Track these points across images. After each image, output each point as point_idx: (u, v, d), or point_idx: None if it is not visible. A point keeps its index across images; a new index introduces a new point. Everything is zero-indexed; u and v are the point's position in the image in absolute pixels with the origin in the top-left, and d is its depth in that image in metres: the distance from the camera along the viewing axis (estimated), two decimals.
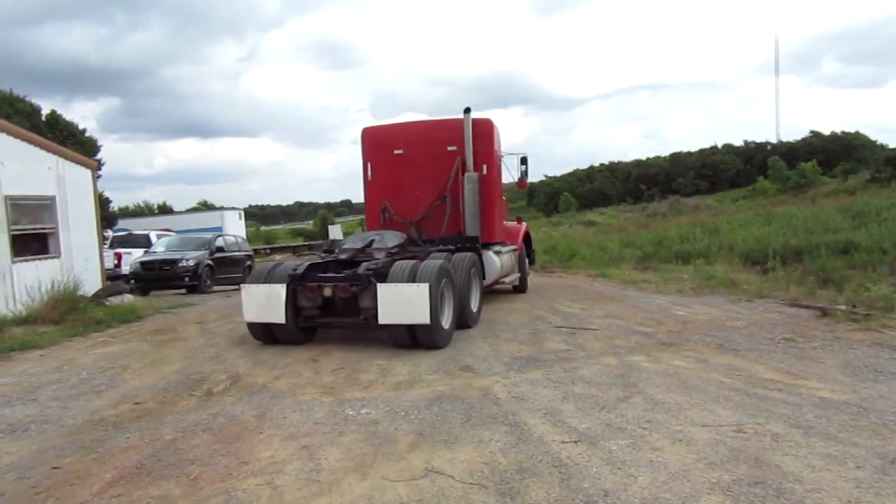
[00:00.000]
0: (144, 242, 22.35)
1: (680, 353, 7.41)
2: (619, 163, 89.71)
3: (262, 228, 79.85)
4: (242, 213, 42.65)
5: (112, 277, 17.80)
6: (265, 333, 8.50)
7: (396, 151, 11.42)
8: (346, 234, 15.36)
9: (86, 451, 4.89)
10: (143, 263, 18.78)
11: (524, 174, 13.06)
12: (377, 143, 11.71)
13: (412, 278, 7.70)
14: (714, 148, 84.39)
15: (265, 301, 8.13)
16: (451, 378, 6.70)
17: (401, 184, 11.36)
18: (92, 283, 14.26)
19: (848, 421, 4.92)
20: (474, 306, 9.58)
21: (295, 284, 8.19)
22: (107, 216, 30.90)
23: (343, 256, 9.31)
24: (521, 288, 13.46)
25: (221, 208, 44.16)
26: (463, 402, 5.76)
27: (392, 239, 9.92)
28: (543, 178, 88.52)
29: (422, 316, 7.50)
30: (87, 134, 35.58)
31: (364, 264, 8.28)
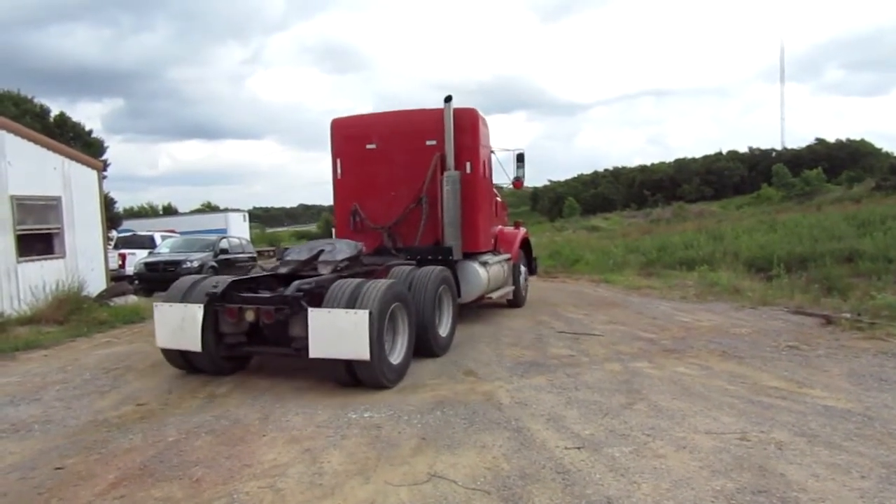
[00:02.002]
0: (149, 243, 22.40)
1: (683, 359, 7.40)
2: (624, 168, 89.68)
3: (267, 230, 79.97)
4: (247, 215, 42.75)
5: (116, 278, 17.83)
6: (182, 361, 7.17)
7: (369, 146, 10.08)
8: None
9: (89, 452, 4.90)
10: (147, 264, 18.82)
11: (521, 174, 11.73)
12: (347, 135, 10.35)
13: (352, 302, 6.27)
14: (718, 154, 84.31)
15: (179, 324, 6.74)
16: (455, 382, 6.70)
17: (373, 183, 10.08)
18: (96, 283, 14.29)
19: (853, 430, 4.90)
20: (443, 331, 8.16)
21: (216, 305, 6.80)
22: (111, 217, 30.98)
23: (283, 270, 7.96)
24: (515, 303, 11.91)
25: (226, 210, 44.22)
26: (466, 407, 5.76)
27: (343, 250, 8.30)
28: (547, 183, 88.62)
29: (360, 350, 6.04)
30: (93, 135, 35.72)
31: (295, 283, 6.83)
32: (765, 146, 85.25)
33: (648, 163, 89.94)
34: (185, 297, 6.99)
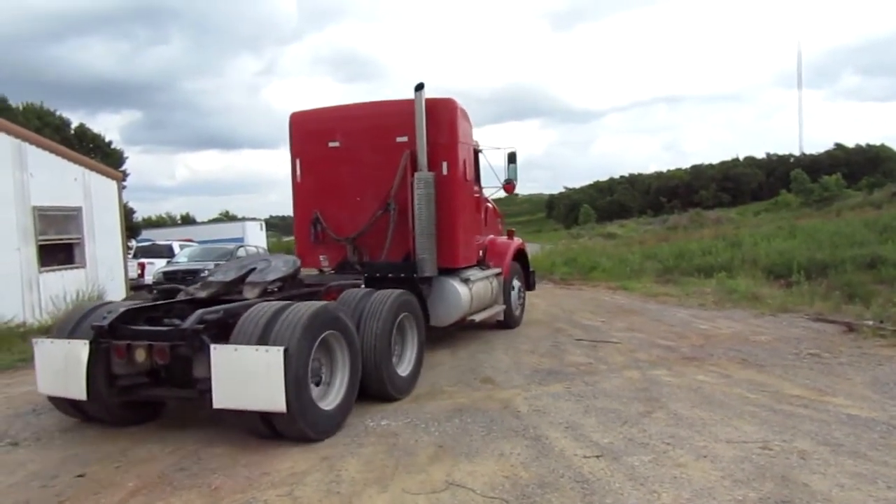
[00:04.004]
0: (167, 253, 22.63)
1: (703, 367, 7.32)
2: (640, 175, 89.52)
3: (284, 239, 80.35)
4: (263, 224, 42.97)
5: (136, 287, 18.03)
6: (74, 410, 5.81)
7: (332, 144, 8.77)
8: None
9: (109, 461, 4.94)
10: (165, 273, 18.98)
11: (513, 175, 10.27)
12: (308, 132, 9.02)
13: (265, 335, 5.02)
14: (736, 160, 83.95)
15: (62, 366, 5.43)
16: (472, 390, 6.68)
17: (337, 187, 8.76)
18: (116, 292, 14.44)
19: (877, 439, 4.82)
20: (404, 368, 6.80)
21: (102, 342, 5.42)
22: (131, 226, 31.35)
23: (202, 294, 6.53)
24: (506, 323, 10.37)
25: (243, 219, 44.63)
26: (483, 415, 5.74)
27: (278, 268, 6.90)
28: (563, 190, 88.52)
29: (273, 399, 4.79)
30: (112, 146, 36.22)
31: (198, 312, 5.38)
32: (782, 152, 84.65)
33: (664, 169, 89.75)
34: (73, 332, 5.68)
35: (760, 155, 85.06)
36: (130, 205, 35.63)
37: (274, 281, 6.66)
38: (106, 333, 5.43)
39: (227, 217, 63.90)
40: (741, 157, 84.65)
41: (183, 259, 20.61)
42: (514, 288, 10.55)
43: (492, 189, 10.32)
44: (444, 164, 8.41)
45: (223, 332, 5.27)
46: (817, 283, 13.71)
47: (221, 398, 4.92)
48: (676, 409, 5.73)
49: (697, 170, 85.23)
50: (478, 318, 9.09)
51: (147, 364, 5.34)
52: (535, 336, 9.70)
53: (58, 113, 33.79)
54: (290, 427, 5.07)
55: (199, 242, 27.09)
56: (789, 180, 64.09)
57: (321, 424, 5.26)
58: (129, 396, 5.64)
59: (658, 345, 8.69)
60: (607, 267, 20.44)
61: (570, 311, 12.27)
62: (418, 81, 8.12)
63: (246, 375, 4.87)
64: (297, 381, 4.92)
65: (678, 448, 4.75)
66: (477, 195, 9.59)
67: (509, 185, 10.35)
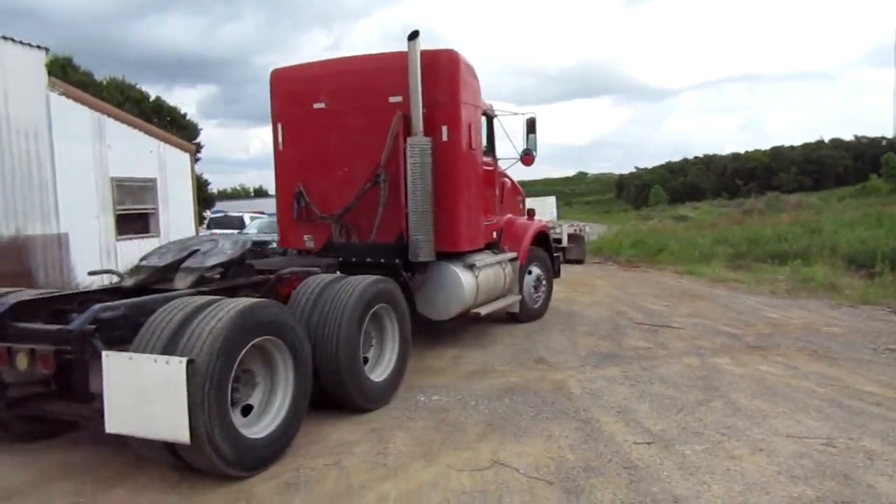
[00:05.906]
0: (238, 224, 23.35)
1: (768, 357, 7.03)
2: (715, 156, 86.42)
3: None
4: None
5: None
6: None
7: (317, 105, 7.61)
8: None
9: None
10: None
11: (532, 146, 9.00)
12: (290, 92, 7.86)
13: (173, 342, 3.92)
14: (820, 142, 79.95)
15: None
16: (525, 370, 6.64)
17: (323, 156, 7.63)
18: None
19: None
20: (381, 372, 5.73)
21: None
22: (206, 198, 32.52)
23: (130, 282, 5.55)
24: (522, 316, 8.95)
25: None
26: (535, 395, 5.70)
27: (223, 251, 5.71)
28: (634, 170, 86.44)
29: (173, 426, 3.69)
30: (187, 118, 37.49)
31: (94, 308, 4.29)
32: (873, 134, 79.87)
33: (741, 150, 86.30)
34: None
35: (848, 137, 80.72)
36: (205, 177, 36.94)
37: (214, 267, 5.49)
38: None
39: None
40: (826, 139, 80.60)
41: (252, 230, 21.21)
42: (530, 275, 9.15)
43: (509, 160, 9.21)
44: (444, 129, 7.19)
45: (133, 333, 4.13)
46: None
47: (115, 420, 3.83)
48: (736, 399, 5.53)
49: (777, 152, 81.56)
50: (484, 311, 7.86)
51: (32, 372, 4.25)
52: (594, 318, 9.54)
53: (138, 87, 35.16)
54: (201, 461, 3.95)
55: (270, 215, 27.86)
56: (879, 165, 60.57)
57: (247, 457, 4.12)
58: (21, 410, 4.60)
59: (722, 332, 8.39)
60: (675, 250, 19.87)
61: (633, 294, 12.01)
62: (413, 30, 6.91)
63: (143, 393, 3.76)
64: (208, 402, 3.81)
65: (734, 439, 4.59)
66: (489, 167, 8.36)
67: (528, 156, 9.08)
